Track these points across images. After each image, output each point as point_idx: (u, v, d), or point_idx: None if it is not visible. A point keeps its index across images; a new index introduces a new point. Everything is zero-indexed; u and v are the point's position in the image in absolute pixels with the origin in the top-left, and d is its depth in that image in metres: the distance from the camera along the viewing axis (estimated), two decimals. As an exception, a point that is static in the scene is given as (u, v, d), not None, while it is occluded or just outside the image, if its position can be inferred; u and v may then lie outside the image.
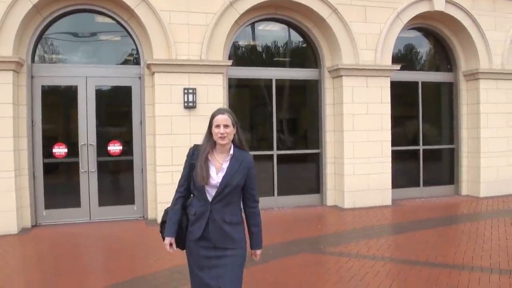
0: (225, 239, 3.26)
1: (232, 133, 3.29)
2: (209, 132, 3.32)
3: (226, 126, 3.24)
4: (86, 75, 8.93)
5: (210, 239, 3.26)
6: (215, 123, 3.26)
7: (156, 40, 8.82)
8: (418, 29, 11.38)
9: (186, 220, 3.35)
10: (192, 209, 3.32)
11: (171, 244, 3.36)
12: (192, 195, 3.42)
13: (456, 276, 5.53)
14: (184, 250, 3.44)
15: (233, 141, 3.35)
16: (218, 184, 3.23)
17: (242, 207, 3.43)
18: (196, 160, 3.30)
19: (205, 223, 3.25)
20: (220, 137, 3.23)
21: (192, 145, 3.43)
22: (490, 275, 5.57)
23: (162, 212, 3.49)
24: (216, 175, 3.26)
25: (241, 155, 3.33)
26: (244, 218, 3.43)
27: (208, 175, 3.22)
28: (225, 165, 3.29)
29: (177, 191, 3.43)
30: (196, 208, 3.29)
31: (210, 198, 3.26)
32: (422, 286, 5.23)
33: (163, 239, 3.38)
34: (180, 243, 3.40)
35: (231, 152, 3.32)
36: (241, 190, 3.35)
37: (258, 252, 3.51)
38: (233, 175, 3.25)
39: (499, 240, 7.25)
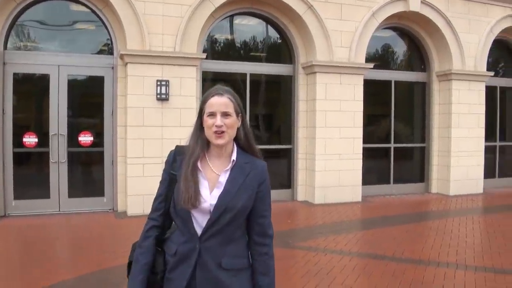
0: None
1: (235, 127, 2.12)
2: (200, 125, 2.15)
3: (225, 114, 2.08)
4: (59, 64, 8.80)
5: None
6: (207, 109, 2.09)
7: (130, 30, 8.73)
8: (393, 28, 11.50)
9: (163, 263, 2.14)
10: (173, 247, 2.13)
11: None
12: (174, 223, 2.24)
13: (421, 271, 5.61)
14: None
15: (236, 140, 2.19)
16: (211, 208, 2.07)
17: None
18: (179, 171, 2.13)
19: (191, 270, 2.07)
20: (216, 133, 2.06)
21: (174, 147, 2.25)
22: (455, 271, 5.66)
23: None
24: (210, 194, 2.10)
25: (249, 162, 2.18)
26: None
27: (197, 194, 2.05)
28: (224, 178, 2.12)
29: (149, 218, 2.21)
30: (178, 246, 2.12)
31: (199, 231, 2.09)
32: (388, 281, 5.29)
33: None
34: None
35: (234, 157, 2.15)
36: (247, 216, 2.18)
37: None
38: (236, 193, 2.09)
39: (466, 237, 7.39)
